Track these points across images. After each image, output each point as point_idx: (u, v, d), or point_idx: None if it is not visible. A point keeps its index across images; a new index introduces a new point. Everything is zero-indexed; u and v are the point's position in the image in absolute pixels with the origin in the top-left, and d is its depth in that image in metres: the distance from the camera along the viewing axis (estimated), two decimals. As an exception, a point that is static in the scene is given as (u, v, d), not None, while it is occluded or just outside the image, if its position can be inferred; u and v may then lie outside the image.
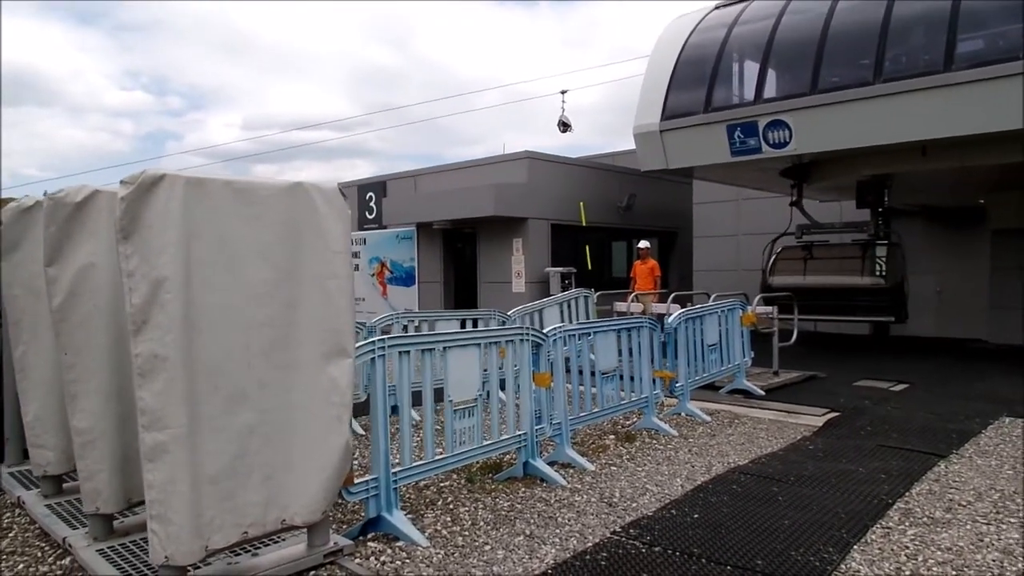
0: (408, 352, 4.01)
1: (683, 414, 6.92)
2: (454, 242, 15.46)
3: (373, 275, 16.90)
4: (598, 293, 10.46)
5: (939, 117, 8.93)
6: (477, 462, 5.04)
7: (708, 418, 6.87)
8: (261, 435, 3.17)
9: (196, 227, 2.97)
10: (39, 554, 3.74)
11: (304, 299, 3.30)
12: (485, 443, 4.56)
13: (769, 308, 8.76)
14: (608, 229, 15.44)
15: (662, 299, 10.65)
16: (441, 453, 4.39)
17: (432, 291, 15.50)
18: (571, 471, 5.15)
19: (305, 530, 3.42)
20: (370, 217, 16.79)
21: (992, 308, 12.33)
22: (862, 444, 5.95)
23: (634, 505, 4.45)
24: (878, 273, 10.65)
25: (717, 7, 12.43)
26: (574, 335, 5.63)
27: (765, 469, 5.22)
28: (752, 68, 11.17)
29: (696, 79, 11.47)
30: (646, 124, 11.88)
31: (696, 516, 4.21)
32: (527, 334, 4.93)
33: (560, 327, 5.35)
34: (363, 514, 3.88)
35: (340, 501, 3.79)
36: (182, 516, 2.87)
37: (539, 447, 5.05)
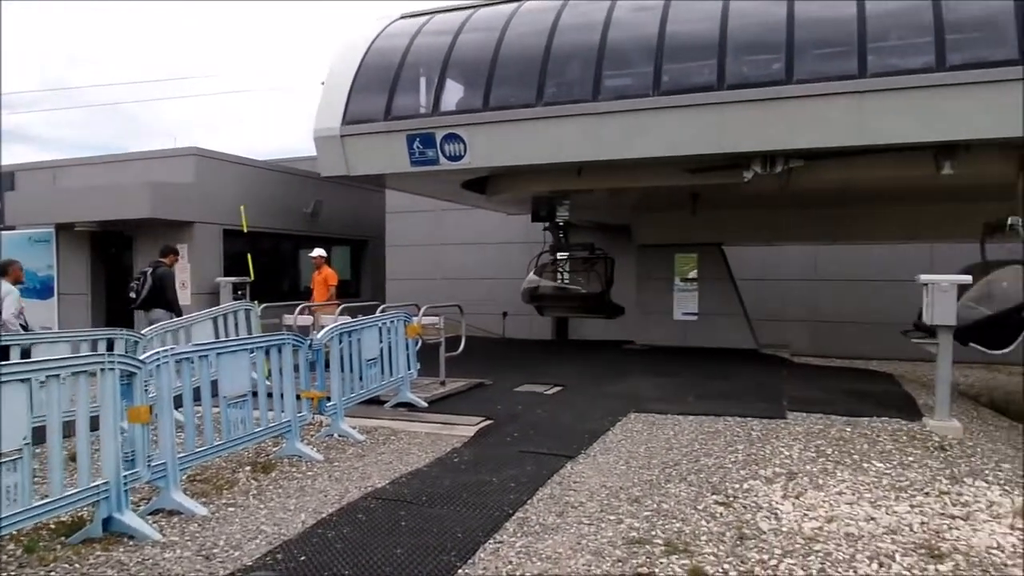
0: None
1: (335, 435, 6.49)
2: (106, 247, 13.27)
3: (-2, 285, 13.76)
4: (263, 306, 9.62)
5: (588, 142, 9.82)
6: (37, 524, 4.04)
7: (362, 437, 6.53)
8: None
9: None
10: None
11: None
12: (35, 504, 3.61)
13: (436, 319, 8.76)
14: (294, 236, 14.52)
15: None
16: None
17: (77, 305, 13.09)
18: (176, 519, 4.39)
19: None
20: (-8, 215, 13.70)
21: (641, 313, 14.06)
22: (505, 452, 6.05)
23: (236, 554, 3.87)
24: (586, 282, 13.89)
25: (402, 16, 12.42)
26: (190, 358, 4.86)
27: (401, 491, 5.00)
28: (433, 80, 11.29)
29: (379, 85, 11.29)
30: (327, 128, 11.38)
31: (303, 559, 3.77)
32: (112, 362, 4.07)
33: (164, 351, 4.56)
34: None
35: None
36: None
37: (128, 496, 4.20)
